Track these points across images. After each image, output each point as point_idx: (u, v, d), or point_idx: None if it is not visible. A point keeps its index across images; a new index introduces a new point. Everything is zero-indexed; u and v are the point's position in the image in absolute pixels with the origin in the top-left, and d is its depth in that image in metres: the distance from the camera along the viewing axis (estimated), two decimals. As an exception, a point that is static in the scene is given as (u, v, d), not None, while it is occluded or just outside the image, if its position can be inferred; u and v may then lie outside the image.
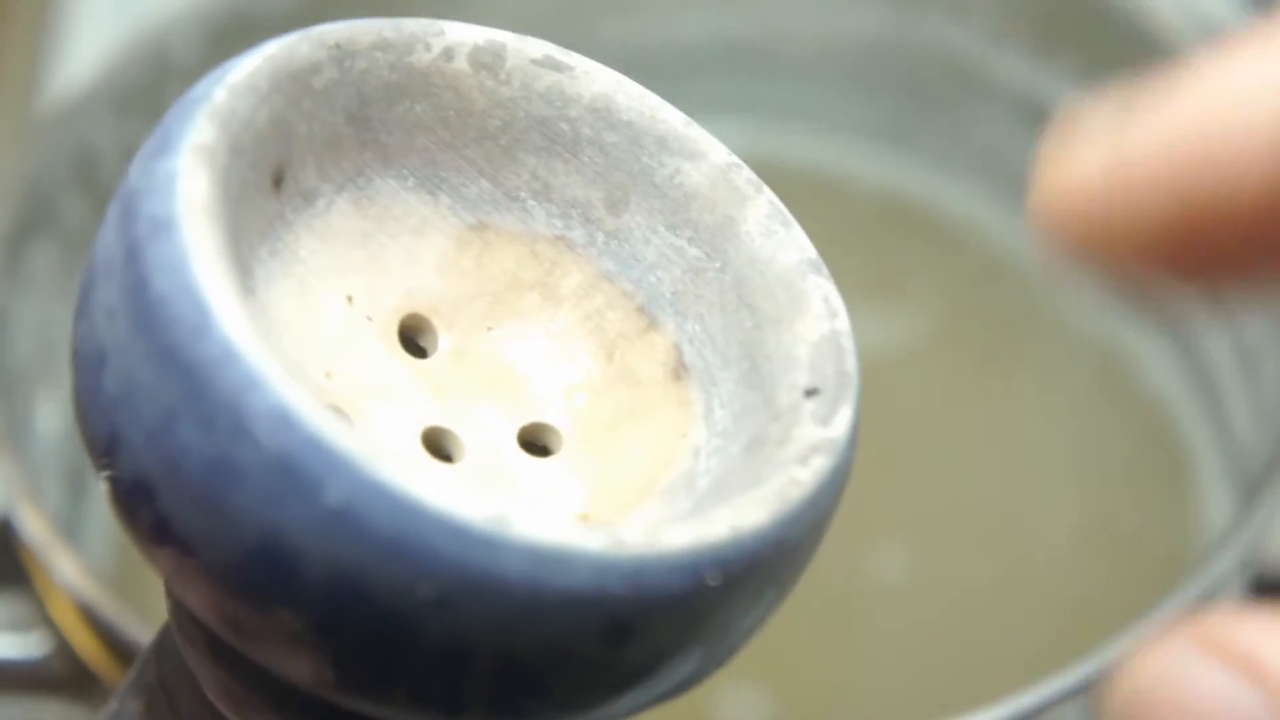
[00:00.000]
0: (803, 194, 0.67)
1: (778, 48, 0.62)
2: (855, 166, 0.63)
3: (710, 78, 0.62)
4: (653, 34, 0.61)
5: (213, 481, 0.19)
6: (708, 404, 0.22)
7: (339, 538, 0.19)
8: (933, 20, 0.60)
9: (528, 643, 0.19)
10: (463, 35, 0.23)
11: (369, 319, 0.22)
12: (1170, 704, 0.17)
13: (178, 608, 0.22)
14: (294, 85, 0.21)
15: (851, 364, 0.22)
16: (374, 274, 0.22)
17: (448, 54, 0.23)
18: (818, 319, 0.22)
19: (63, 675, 0.48)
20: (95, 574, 0.45)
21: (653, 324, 0.23)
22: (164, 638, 0.23)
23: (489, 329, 0.23)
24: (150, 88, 0.55)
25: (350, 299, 0.22)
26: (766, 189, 0.23)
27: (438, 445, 0.22)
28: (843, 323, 0.22)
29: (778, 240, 0.23)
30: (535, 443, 0.22)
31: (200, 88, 0.21)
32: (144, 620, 0.44)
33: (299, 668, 0.20)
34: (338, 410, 0.21)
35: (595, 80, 0.23)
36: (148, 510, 0.20)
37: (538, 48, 0.23)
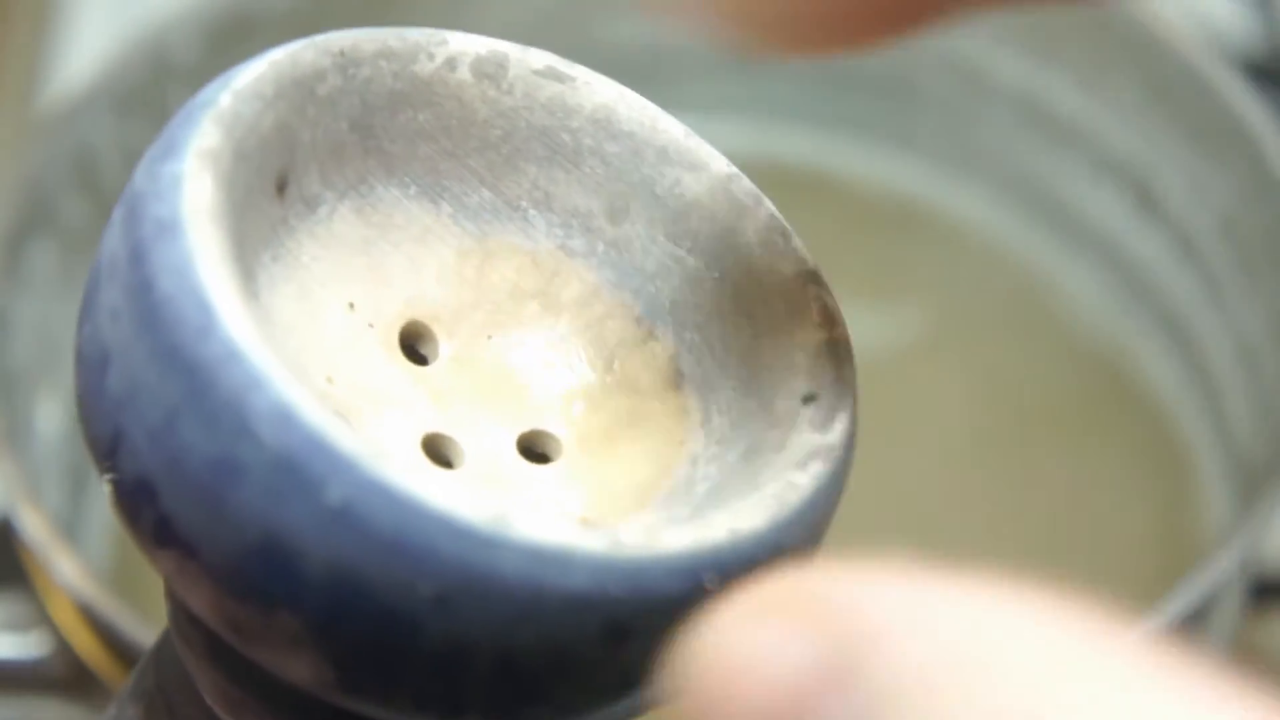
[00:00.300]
0: (803, 194, 0.67)
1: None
2: (855, 166, 0.63)
3: (710, 78, 0.62)
4: (653, 34, 0.61)
5: (215, 480, 0.19)
6: (706, 412, 0.23)
7: (340, 537, 0.19)
8: (933, 20, 0.60)
9: (527, 643, 0.19)
10: (466, 45, 0.23)
11: (370, 326, 0.22)
12: (723, 668, 0.16)
13: (177, 610, 0.22)
14: (299, 92, 0.22)
15: (849, 371, 0.22)
16: (376, 281, 0.22)
17: (451, 63, 0.23)
18: (816, 328, 0.22)
19: (63, 675, 0.48)
20: (95, 574, 0.45)
21: (652, 333, 0.23)
22: (163, 643, 0.23)
23: (489, 337, 0.23)
24: (150, 88, 0.55)
25: (352, 305, 0.22)
26: (766, 200, 0.23)
27: (438, 451, 0.22)
28: (841, 331, 0.22)
29: (776, 251, 0.23)
30: (535, 450, 0.22)
31: (206, 93, 0.21)
32: (143, 620, 0.44)
33: (299, 668, 0.20)
34: (339, 415, 0.21)
35: (597, 91, 0.23)
36: (150, 510, 0.20)
37: (540, 58, 0.23)
